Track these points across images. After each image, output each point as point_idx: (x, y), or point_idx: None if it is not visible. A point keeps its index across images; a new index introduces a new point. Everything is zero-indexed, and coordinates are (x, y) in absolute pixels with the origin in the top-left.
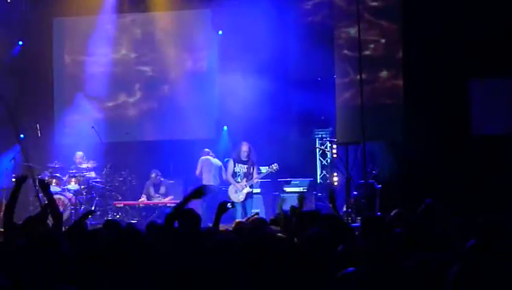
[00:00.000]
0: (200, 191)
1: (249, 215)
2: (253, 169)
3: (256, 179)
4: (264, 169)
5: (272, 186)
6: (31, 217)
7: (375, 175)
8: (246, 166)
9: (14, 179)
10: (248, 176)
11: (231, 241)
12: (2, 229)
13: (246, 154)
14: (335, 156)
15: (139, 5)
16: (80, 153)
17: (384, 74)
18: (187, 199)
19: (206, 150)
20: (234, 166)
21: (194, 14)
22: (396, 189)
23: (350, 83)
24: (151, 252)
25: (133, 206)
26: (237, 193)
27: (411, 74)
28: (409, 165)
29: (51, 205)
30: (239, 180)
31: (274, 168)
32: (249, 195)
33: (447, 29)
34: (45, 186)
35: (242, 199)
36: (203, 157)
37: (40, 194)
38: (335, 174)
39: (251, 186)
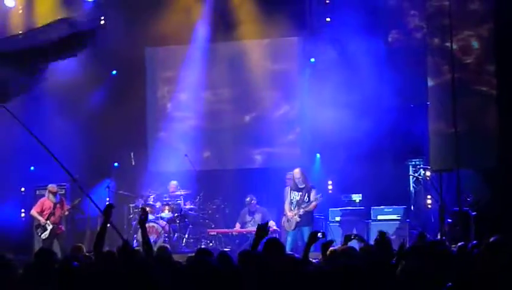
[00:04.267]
0: (264, 229)
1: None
2: (308, 196)
3: (304, 209)
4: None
5: (365, 214)
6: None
7: (470, 202)
8: (300, 193)
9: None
10: (302, 203)
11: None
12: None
13: (300, 180)
14: (428, 178)
15: (230, 34)
16: (174, 183)
17: (478, 100)
18: (257, 240)
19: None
20: (290, 194)
21: (284, 42)
22: (492, 217)
23: (443, 109)
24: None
25: (226, 234)
26: (288, 222)
27: (506, 99)
28: (505, 193)
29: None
30: (292, 208)
31: (318, 198)
32: (300, 224)
33: None
34: (145, 215)
35: (292, 228)
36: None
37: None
38: (429, 197)
39: (300, 216)
